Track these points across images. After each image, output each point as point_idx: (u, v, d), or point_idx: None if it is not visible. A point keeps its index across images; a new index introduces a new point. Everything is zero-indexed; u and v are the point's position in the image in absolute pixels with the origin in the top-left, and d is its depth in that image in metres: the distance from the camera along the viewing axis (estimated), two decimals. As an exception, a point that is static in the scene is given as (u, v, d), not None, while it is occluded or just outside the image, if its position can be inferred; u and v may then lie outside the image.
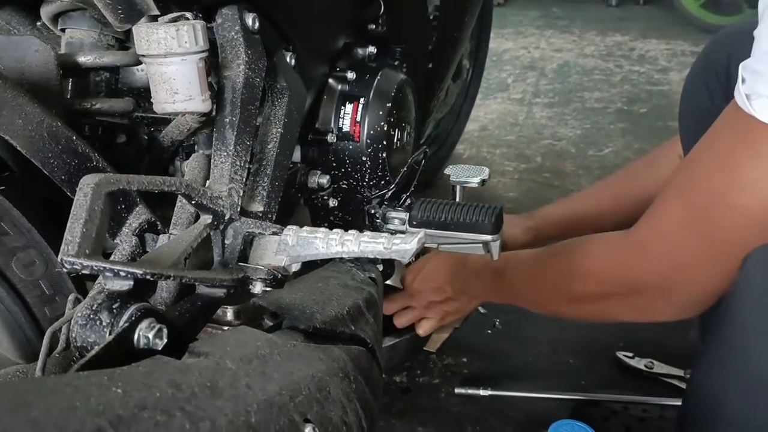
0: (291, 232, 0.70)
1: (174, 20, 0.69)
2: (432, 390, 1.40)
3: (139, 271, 0.50)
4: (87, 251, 0.48)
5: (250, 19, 0.79)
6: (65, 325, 0.57)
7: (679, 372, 1.41)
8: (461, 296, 1.26)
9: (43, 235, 0.69)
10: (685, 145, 1.09)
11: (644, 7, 4.73)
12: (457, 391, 1.38)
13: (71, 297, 0.61)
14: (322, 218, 1.12)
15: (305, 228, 0.70)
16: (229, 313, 1.02)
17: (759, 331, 0.76)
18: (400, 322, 1.29)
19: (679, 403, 1.27)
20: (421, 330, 1.30)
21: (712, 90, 1.00)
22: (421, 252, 0.95)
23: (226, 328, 0.98)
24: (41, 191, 0.70)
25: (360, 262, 0.98)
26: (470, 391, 1.38)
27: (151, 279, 0.52)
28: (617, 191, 1.46)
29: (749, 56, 0.75)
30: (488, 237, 1.01)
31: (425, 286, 1.26)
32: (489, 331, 1.58)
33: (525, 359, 1.49)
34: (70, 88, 0.82)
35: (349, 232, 0.69)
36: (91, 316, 0.52)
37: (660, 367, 1.43)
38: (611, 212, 1.42)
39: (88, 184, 0.51)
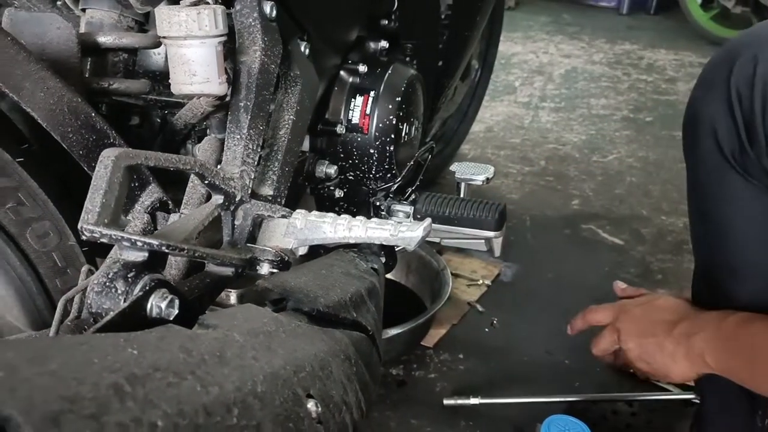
0: (300, 216, 0.71)
1: (195, 4, 0.70)
2: (427, 384, 1.42)
3: (155, 242, 0.51)
4: (106, 221, 0.50)
5: (268, 7, 0.81)
6: (78, 294, 0.59)
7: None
8: (678, 343, 0.92)
9: (58, 208, 0.70)
10: (690, 168, 1.02)
11: (654, 17, 4.75)
12: (446, 402, 1.32)
13: (84, 268, 0.62)
14: (327, 208, 1.14)
15: (314, 212, 0.72)
16: (233, 297, 1.04)
17: None
18: (598, 346, 1.09)
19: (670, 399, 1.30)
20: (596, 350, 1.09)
21: (719, 111, 0.94)
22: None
23: (233, 306, 1.00)
24: (58, 166, 0.72)
25: (363, 252, 0.99)
26: (460, 402, 1.32)
27: (166, 251, 0.53)
28: None
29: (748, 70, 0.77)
30: (491, 233, 1.02)
31: (639, 308, 1.01)
32: (486, 330, 1.59)
33: (520, 359, 1.51)
34: (88, 67, 0.83)
35: (357, 218, 0.70)
36: (107, 283, 0.53)
37: (654, 371, 1.44)
38: None
39: (108, 156, 0.53)
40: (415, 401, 1.37)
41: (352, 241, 0.70)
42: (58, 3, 0.92)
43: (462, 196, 1.24)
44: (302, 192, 1.09)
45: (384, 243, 0.68)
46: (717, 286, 0.90)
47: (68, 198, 0.72)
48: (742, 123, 0.83)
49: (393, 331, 1.34)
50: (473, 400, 1.32)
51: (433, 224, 1.05)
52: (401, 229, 0.67)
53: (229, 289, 1.05)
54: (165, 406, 0.38)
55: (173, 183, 0.80)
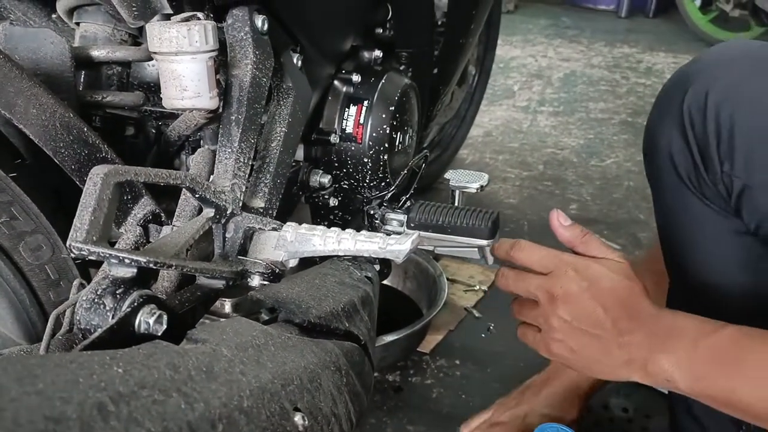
0: (290, 229, 0.72)
1: (186, 20, 0.71)
2: (424, 390, 1.42)
3: (142, 259, 0.52)
4: (94, 238, 0.51)
5: (259, 21, 0.81)
6: (69, 308, 0.60)
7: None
8: (630, 355, 0.77)
9: (51, 222, 0.71)
10: (653, 190, 0.97)
11: (653, 20, 4.76)
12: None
13: (76, 282, 0.63)
14: (322, 217, 1.14)
15: (304, 225, 0.72)
16: (227, 306, 1.05)
17: None
18: (518, 309, 0.92)
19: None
20: (526, 339, 0.92)
21: (673, 136, 0.88)
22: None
23: (223, 320, 1.01)
24: (51, 180, 0.72)
25: (357, 260, 1.00)
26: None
27: (154, 267, 0.54)
28: None
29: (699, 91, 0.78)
30: (484, 242, 1.03)
31: (583, 292, 0.79)
32: (483, 335, 1.60)
33: (517, 364, 1.51)
34: (82, 80, 0.84)
35: (346, 230, 0.71)
36: (96, 300, 0.54)
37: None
38: None
39: (97, 174, 0.53)
40: (412, 407, 1.38)
41: (341, 254, 0.71)
42: (53, 16, 0.93)
43: (456, 203, 1.24)
44: (297, 201, 1.10)
45: (373, 255, 0.69)
46: (689, 303, 0.84)
47: (61, 211, 0.73)
48: (696, 149, 0.82)
49: (389, 338, 1.35)
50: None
51: (426, 233, 1.06)
52: (389, 242, 0.68)
53: (224, 299, 1.06)
54: (149, 424, 0.38)
55: (167, 193, 0.81)
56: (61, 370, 0.39)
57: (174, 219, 0.76)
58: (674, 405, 1.04)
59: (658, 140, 0.88)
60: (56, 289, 0.73)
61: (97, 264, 0.68)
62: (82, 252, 0.50)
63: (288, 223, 0.73)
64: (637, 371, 0.77)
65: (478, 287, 1.73)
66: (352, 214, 1.14)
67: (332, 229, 0.71)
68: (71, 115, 0.68)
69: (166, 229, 0.73)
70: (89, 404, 0.36)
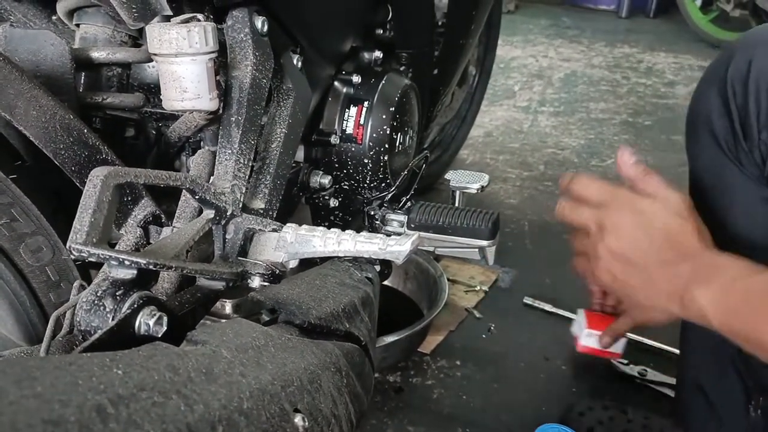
0: (290, 230, 0.72)
1: (186, 21, 0.71)
2: (424, 391, 1.42)
3: (142, 261, 0.52)
4: (94, 240, 0.51)
5: (259, 22, 0.81)
6: (69, 310, 0.60)
7: (673, 380, 1.43)
8: (672, 286, 0.77)
9: (51, 224, 0.71)
10: (691, 161, 1.03)
11: (654, 20, 4.75)
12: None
13: (76, 283, 0.63)
14: (322, 218, 1.14)
15: (304, 226, 0.72)
16: (228, 307, 1.05)
17: None
18: (573, 238, 0.91)
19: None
20: (578, 266, 0.92)
21: (715, 105, 0.99)
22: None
23: (224, 321, 1.01)
24: (51, 181, 0.73)
25: (358, 261, 1.00)
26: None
27: (154, 269, 0.54)
28: None
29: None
30: (484, 242, 1.03)
31: (631, 224, 0.80)
32: (484, 336, 1.60)
33: (518, 365, 1.51)
34: (82, 81, 0.84)
35: (346, 231, 0.71)
36: (96, 301, 0.54)
37: (654, 375, 1.45)
38: None
39: (97, 176, 0.53)
40: (413, 408, 1.38)
41: (341, 255, 0.71)
42: (54, 18, 0.93)
43: (457, 204, 1.24)
44: (297, 202, 1.10)
45: (373, 256, 0.69)
46: None
47: (62, 213, 0.73)
48: (737, 117, 0.86)
49: (390, 339, 1.35)
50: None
51: (426, 234, 1.06)
52: (389, 243, 0.68)
53: (225, 300, 1.06)
54: (148, 426, 0.38)
55: (167, 195, 0.81)
56: (60, 372, 0.39)
57: (174, 220, 0.76)
58: (681, 382, 1.04)
59: (700, 110, 0.93)
60: (57, 291, 0.73)
61: (98, 265, 0.68)
62: (82, 254, 0.50)
63: (288, 225, 0.73)
64: (675, 303, 0.77)
65: (478, 288, 1.73)
66: (352, 215, 1.14)
67: (332, 230, 0.71)
68: (71, 117, 0.68)
69: (166, 231, 0.73)
70: (88, 407, 0.36)
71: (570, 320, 1.63)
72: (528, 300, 1.69)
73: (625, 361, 1.47)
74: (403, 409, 1.37)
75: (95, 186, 0.53)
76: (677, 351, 1.45)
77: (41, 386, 0.37)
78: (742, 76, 0.85)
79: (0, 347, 0.72)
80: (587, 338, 1.45)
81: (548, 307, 1.67)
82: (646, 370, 1.45)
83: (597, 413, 1.32)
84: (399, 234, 1.09)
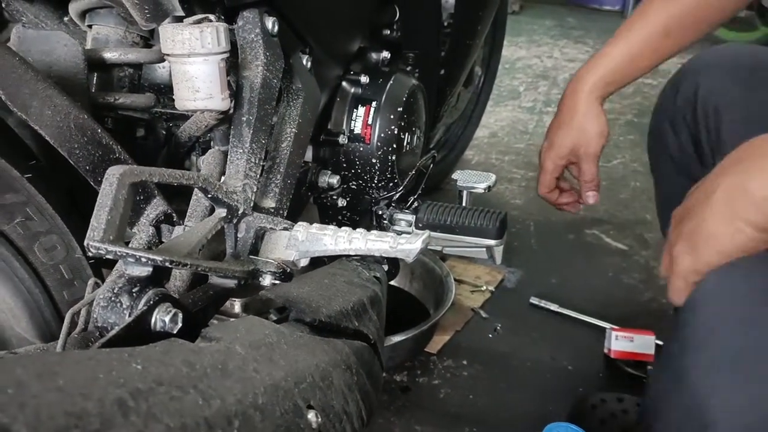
0: (301, 228, 0.73)
1: (198, 22, 0.72)
2: (431, 390, 1.43)
3: (159, 258, 0.53)
4: (111, 237, 0.51)
5: (270, 23, 0.82)
6: (84, 307, 0.60)
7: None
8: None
9: (65, 222, 0.72)
10: (655, 185, 1.02)
11: (659, 20, 4.74)
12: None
13: (91, 281, 0.64)
14: (330, 217, 1.15)
15: (315, 225, 0.73)
16: (237, 306, 1.05)
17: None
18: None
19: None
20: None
21: (670, 134, 1.00)
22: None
23: (236, 318, 1.01)
24: (64, 180, 0.73)
25: (366, 261, 1.01)
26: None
27: (170, 266, 0.55)
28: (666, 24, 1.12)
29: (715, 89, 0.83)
30: (492, 242, 1.04)
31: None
32: (490, 335, 1.60)
33: (524, 364, 1.51)
34: (94, 82, 0.85)
35: (357, 230, 0.72)
36: (112, 298, 0.55)
37: (658, 376, 1.45)
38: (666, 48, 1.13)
39: (114, 174, 0.54)
40: (419, 407, 1.39)
41: (352, 253, 0.71)
42: (65, 19, 0.93)
43: (464, 204, 1.25)
44: (305, 202, 1.11)
45: (383, 255, 0.70)
46: None
47: (75, 211, 0.74)
48: (690, 144, 0.90)
49: (397, 338, 1.36)
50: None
51: (434, 233, 1.06)
52: (400, 242, 0.68)
53: (234, 299, 1.07)
54: (167, 419, 0.39)
55: (177, 194, 0.82)
56: (81, 366, 0.40)
57: (186, 219, 0.77)
58: None
59: (658, 137, 1.00)
60: (70, 289, 0.74)
61: (111, 264, 0.69)
62: (100, 251, 0.51)
63: (299, 223, 0.74)
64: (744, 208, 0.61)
65: (484, 288, 1.73)
66: (360, 215, 1.15)
67: (343, 228, 0.72)
68: (85, 117, 0.69)
69: (178, 230, 0.74)
70: (109, 400, 0.37)
71: (576, 320, 1.64)
72: (534, 300, 1.69)
73: (632, 362, 1.48)
74: (409, 409, 1.38)
75: (111, 184, 0.54)
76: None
77: (62, 380, 0.37)
78: (691, 104, 0.89)
79: (15, 345, 0.73)
80: (617, 342, 1.47)
81: (554, 307, 1.67)
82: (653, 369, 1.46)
83: (611, 405, 1.31)
84: (407, 233, 1.10)
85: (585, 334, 1.60)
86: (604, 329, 1.58)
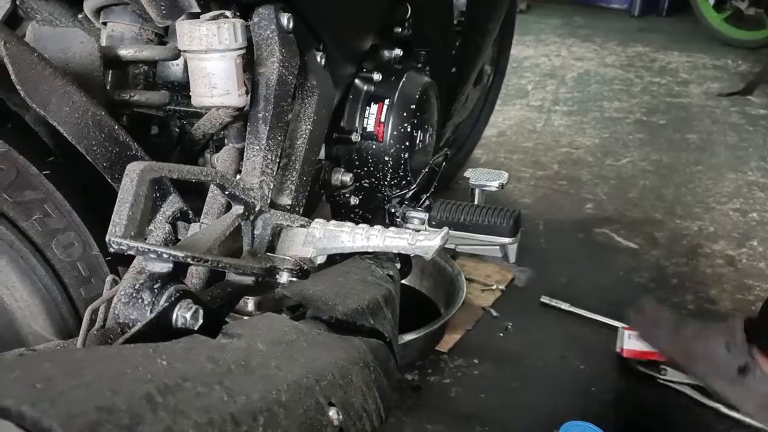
0: (318, 225, 0.73)
1: (214, 18, 0.72)
2: (442, 389, 1.42)
3: (180, 254, 0.53)
4: (132, 233, 0.51)
5: (285, 19, 0.82)
6: (103, 304, 0.60)
7: (690, 379, 1.42)
8: None
9: (82, 219, 0.72)
10: None
11: (666, 18, 4.73)
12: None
13: (109, 278, 0.64)
14: (343, 215, 1.15)
15: (332, 222, 0.73)
16: (250, 304, 1.05)
17: None
18: None
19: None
20: None
21: None
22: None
23: (254, 316, 1.01)
24: (81, 176, 0.73)
25: (379, 258, 1.00)
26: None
27: (191, 263, 0.55)
28: None
29: None
30: (506, 240, 1.03)
31: None
32: (501, 334, 1.60)
33: (535, 363, 1.51)
34: (110, 79, 0.85)
35: (375, 227, 0.71)
36: (134, 294, 0.55)
37: (673, 374, 1.44)
38: None
39: (134, 170, 0.54)
40: (430, 406, 1.38)
41: (370, 250, 0.71)
42: (80, 16, 0.93)
43: (476, 202, 1.24)
44: (318, 199, 1.10)
45: (402, 252, 0.69)
46: None
47: (92, 209, 0.74)
48: None
49: (408, 337, 1.35)
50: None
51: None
52: (419, 238, 0.68)
53: (247, 297, 1.07)
54: (195, 415, 0.39)
55: (191, 192, 0.82)
56: (107, 362, 0.40)
57: (202, 216, 0.76)
58: None
59: None
60: (87, 286, 0.74)
61: (128, 261, 0.69)
62: (122, 247, 0.50)
63: (316, 220, 0.74)
64: None
65: (495, 286, 1.73)
66: (373, 213, 1.14)
67: (361, 225, 0.72)
68: (102, 113, 0.69)
69: (193, 227, 0.74)
70: (138, 395, 0.37)
71: (587, 319, 1.64)
72: (545, 299, 1.69)
73: (645, 361, 1.47)
74: (420, 408, 1.38)
75: (132, 180, 0.53)
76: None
77: (90, 375, 0.37)
78: None
79: (32, 342, 0.73)
80: (630, 341, 1.47)
81: (565, 306, 1.67)
82: (665, 369, 1.45)
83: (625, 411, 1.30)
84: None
85: (596, 333, 1.59)
86: (615, 328, 1.57)
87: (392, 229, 0.71)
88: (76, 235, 0.72)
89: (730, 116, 2.95)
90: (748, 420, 1.36)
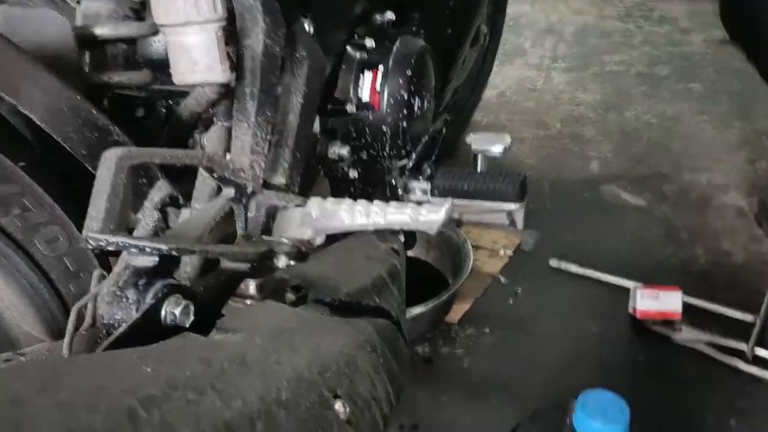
0: (315, 205, 0.69)
1: (191, -12, 0.67)
2: (454, 360, 1.40)
3: (164, 247, 0.49)
4: (111, 227, 0.47)
5: (267, -14, 0.77)
6: (91, 301, 0.57)
7: (707, 336, 1.40)
8: None
9: (65, 211, 0.68)
10: None
11: (665, -34, 4.62)
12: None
13: (96, 273, 0.60)
14: (342, 190, 1.11)
15: (329, 199, 0.69)
16: (252, 287, 1.02)
17: None
18: None
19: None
20: None
21: None
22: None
23: (248, 301, 0.98)
24: (61, 167, 0.69)
25: (382, 232, 0.97)
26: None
27: (177, 254, 0.51)
28: None
29: None
30: (513, 205, 0.99)
31: None
32: (511, 301, 1.57)
33: (547, 329, 1.48)
34: (87, 61, 0.81)
35: (375, 203, 0.68)
36: (117, 293, 0.51)
37: (688, 333, 1.42)
38: None
39: (110, 158, 0.50)
40: (443, 378, 1.36)
41: (370, 228, 0.67)
42: (52, -5, 0.89)
43: (479, 167, 1.20)
44: (316, 175, 1.06)
45: (404, 228, 0.65)
46: None
47: (76, 199, 0.70)
48: None
49: (417, 310, 1.32)
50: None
51: (452, 199, 1.02)
52: (422, 213, 0.64)
53: (248, 279, 1.03)
54: (184, 428, 0.35)
55: (182, 175, 0.78)
56: (86, 374, 0.36)
57: (192, 201, 0.73)
58: None
59: None
60: (77, 281, 0.70)
61: (118, 253, 0.65)
62: (100, 243, 0.47)
63: (312, 198, 0.70)
64: None
65: (502, 252, 1.69)
66: (373, 186, 1.10)
67: (360, 201, 0.68)
68: (78, 98, 0.65)
69: (185, 212, 0.70)
70: (118, 412, 0.33)
71: (597, 281, 1.60)
72: (554, 262, 1.66)
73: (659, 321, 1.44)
74: (433, 380, 1.35)
75: (108, 169, 0.49)
76: (737, 315, 1.42)
77: (65, 392, 0.34)
78: None
79: (22, 343, 0.70)
80: (642, 301, 1.43)
81: (574, 268, 1.63)
82: (680, 328, 1.42)
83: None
84: (423, 202, 1.05)
85: (607, 294, 1.56)
86: (626, 289, 1.54)
87: (393, 204, 0.67)
88: (60, 228, 0.68)
89: (733, 63, 2.87)
90: (765, 375, 1.34)
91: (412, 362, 1.39)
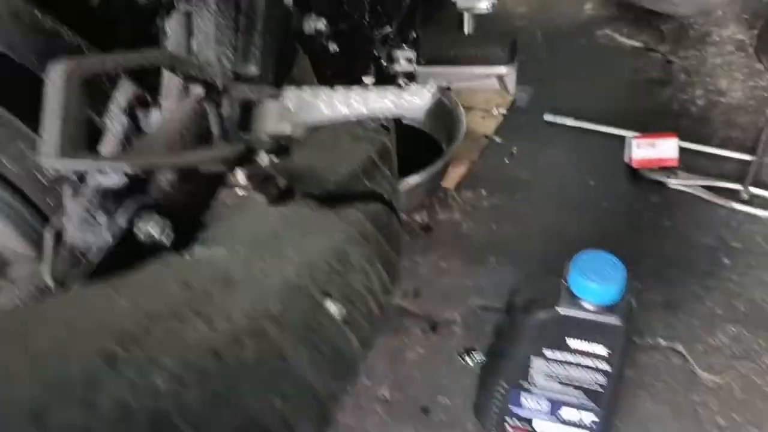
0: (291, 95, 0.64)
1: None
2: (453, 226, 1.40)
3: (128, 166, 0.46)
4: (69, 149, 0.44)
5: None
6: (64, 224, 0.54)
7: (702, 180, 1.39)
8: None
9: (29, 126, 0.64)
10: None
11: None
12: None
13: (68, 190, 0.57)
14: (323, 66, 1.05)
15: (306, 89, 0.64)
16: (240, 176, 0.99)
17: None
18: None
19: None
20: None
21: None
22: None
23: (239, 191, 0.96)
24: (13, 77, 0.64)
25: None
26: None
27: (143, 173, 0.48)
28: None
29: None
30: (503, 69, 0.94)
31: None
32: (507, 161, 1.54)
33: (544, 186, 1.47)
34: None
35: (353, 89, 0.63)
36: (86, 218, 0.48)
37: (684, 177, 1.41)
38: None
39: (57, 72, 0.46)
40: (443, 244, 1.36)
41: (352, 118, 0.63)
42: None
43: (466, 28, 1.13)
44: (294, 54, 1.00)
45: (388, 115, 0.62)
46: None
47: (38, 112, 0.66)
48: None
49: (411, 181, 1.30)
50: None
51: (440, 68, 0.97)
52: (405, 97, 0.60)
53: (238, 168, 1.00)
54: (166, 360, 0.34)
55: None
56: (57, 317, 0.34)
57: (161, 98, 0.68)
58: None
59: None
60: (53, 194, 0.68)
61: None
62: (57, 168, 0.43)
63: (287, 88, 0.65)
64: None
65: (496, 111, 1.65)
66: (356, 58, 1.04)
67: (338, 89, 0.63)
68: (18, 1, 0.59)
69: (155, 114, 0.66)
70: (93, 357, 0.32)
71: (594, 132, 1.57)
72: (549, 117, 1.62)
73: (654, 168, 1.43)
74: (433, 247, 1.36)
75: (57, 85, 0.45)
76: (734, 155, 1.39)
77: (36, 342, 0.32)
78: None
79: (14, 261, 0.68)
80: (638, 150, 1.41)
81: (570, 122, 1.60)
82: (675, 173, 1.41)
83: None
84: (409, 72, 1.00)
85: (604, 145, 1.54)
86: (623, 138, 1.51)
87: (373, 89, 0.62)
88: (25, 143, 0.64)
89: None
90: (759, 213, 1.34)
91: (411, 232, 1.39)
